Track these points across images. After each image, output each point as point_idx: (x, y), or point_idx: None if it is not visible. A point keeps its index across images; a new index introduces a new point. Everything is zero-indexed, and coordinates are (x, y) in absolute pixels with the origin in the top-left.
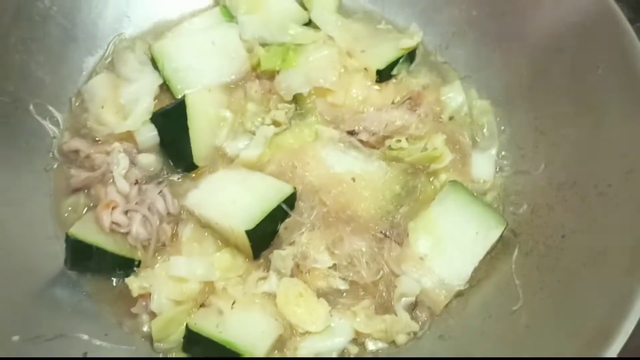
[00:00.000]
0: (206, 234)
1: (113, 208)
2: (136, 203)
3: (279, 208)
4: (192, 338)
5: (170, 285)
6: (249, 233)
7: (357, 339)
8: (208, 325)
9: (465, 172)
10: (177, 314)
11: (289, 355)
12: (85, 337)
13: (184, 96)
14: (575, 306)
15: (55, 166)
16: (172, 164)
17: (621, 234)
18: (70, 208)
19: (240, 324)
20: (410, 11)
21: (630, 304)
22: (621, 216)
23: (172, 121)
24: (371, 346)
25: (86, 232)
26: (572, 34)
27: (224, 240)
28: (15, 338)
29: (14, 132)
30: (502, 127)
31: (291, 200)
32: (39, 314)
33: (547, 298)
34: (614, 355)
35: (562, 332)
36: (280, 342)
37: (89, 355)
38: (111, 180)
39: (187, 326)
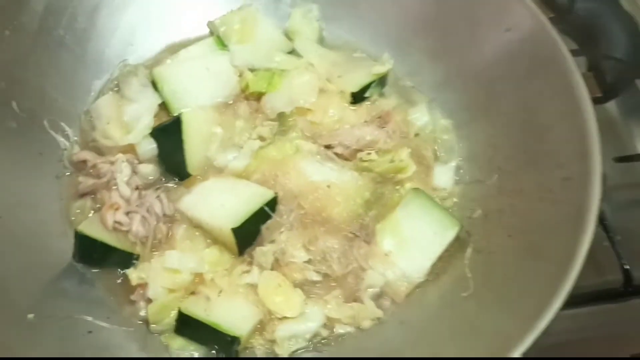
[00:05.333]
0: (197, 233)
1: (116, 209)
2: (136, 206)
3: (261, 210)
4: (184, 320)
5: (165, 276)
6: (234, 231)
7: (328, 324)
8: (197, 309)
9: (428, 181)
10: (171, 300)
11: (267, 337)
12: (90, 318)
13: (180, 114)
14: (514, 294)
15: (66, 174)
16: (168, 173)
17: (556, 234)
18: (78, 210)
19: (225, 309)
20: (383, 42)
21: (555, 297)
22: (558, 217)
23: (169, 136)
24: (340, 330)
25: (92, 229)
26: (516, 64)
27: (213, 238)
28: (31, 316)
29: (30, 144)
30: (461, 144)
31: (273, 204)
32: (51, 299)
33: (493, 288)
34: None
35: (503, 315)
36: (260, 325)
37: (93, 334)
38: (115, 187)
39: (179, 310)
